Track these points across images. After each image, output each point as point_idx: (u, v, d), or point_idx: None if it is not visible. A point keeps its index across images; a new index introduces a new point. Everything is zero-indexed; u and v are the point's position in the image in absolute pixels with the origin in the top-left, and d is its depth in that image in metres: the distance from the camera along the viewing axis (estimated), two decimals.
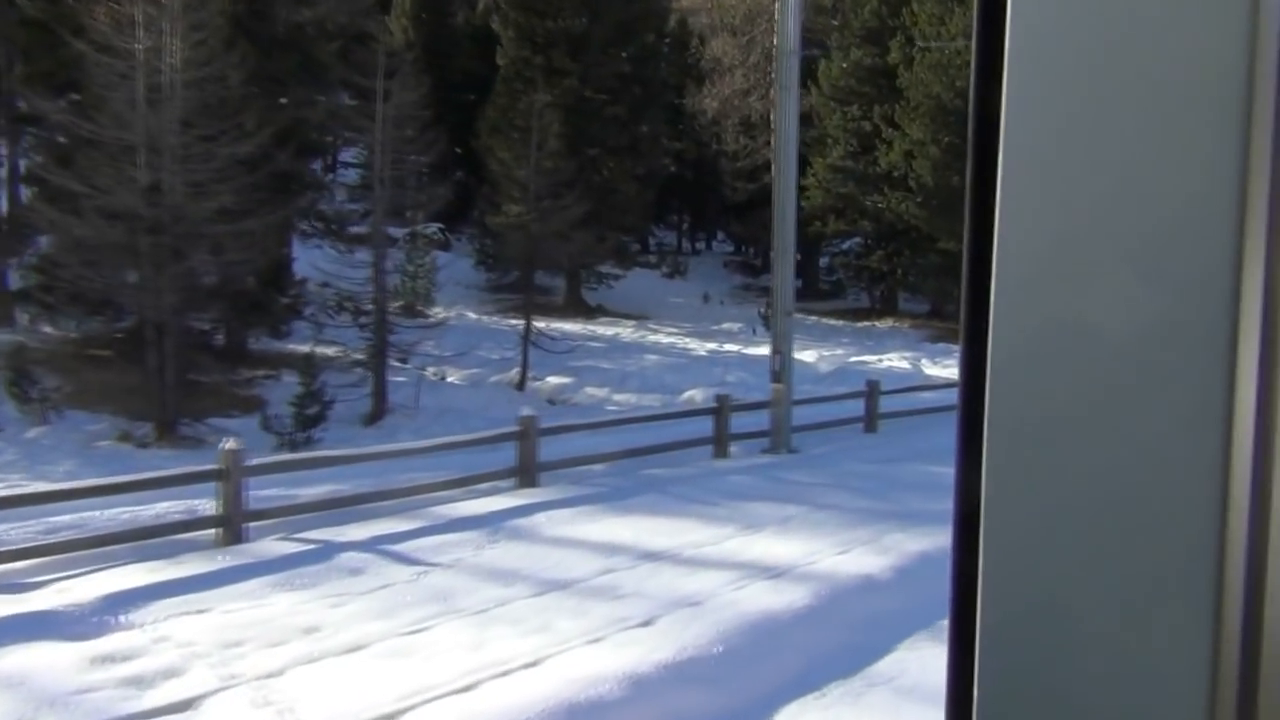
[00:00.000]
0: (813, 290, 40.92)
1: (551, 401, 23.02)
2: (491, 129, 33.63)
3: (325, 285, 32.15)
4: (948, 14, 31.77)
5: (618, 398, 22.82)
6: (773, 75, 40.16)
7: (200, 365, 20.18)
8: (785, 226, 12.84)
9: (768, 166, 40.56)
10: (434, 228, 40.18)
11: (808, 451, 13.13)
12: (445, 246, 37.60)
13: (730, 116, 38.99)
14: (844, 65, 35.76)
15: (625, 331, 30.44)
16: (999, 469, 0.68)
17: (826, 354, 27.78)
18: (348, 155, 40.33)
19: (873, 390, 15.10)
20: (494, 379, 23.71)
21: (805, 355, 27.31)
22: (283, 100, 20.91)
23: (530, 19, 32.71)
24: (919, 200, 31.46)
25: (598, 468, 11.46)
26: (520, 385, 22.91)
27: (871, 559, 7.73)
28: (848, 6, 36.55)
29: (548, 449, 12.07)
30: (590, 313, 33.66)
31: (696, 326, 33.20)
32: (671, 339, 29.85)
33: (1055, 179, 0.64)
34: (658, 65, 34.51)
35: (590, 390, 23.32)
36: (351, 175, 41.79)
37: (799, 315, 38.34)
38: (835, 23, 37.21)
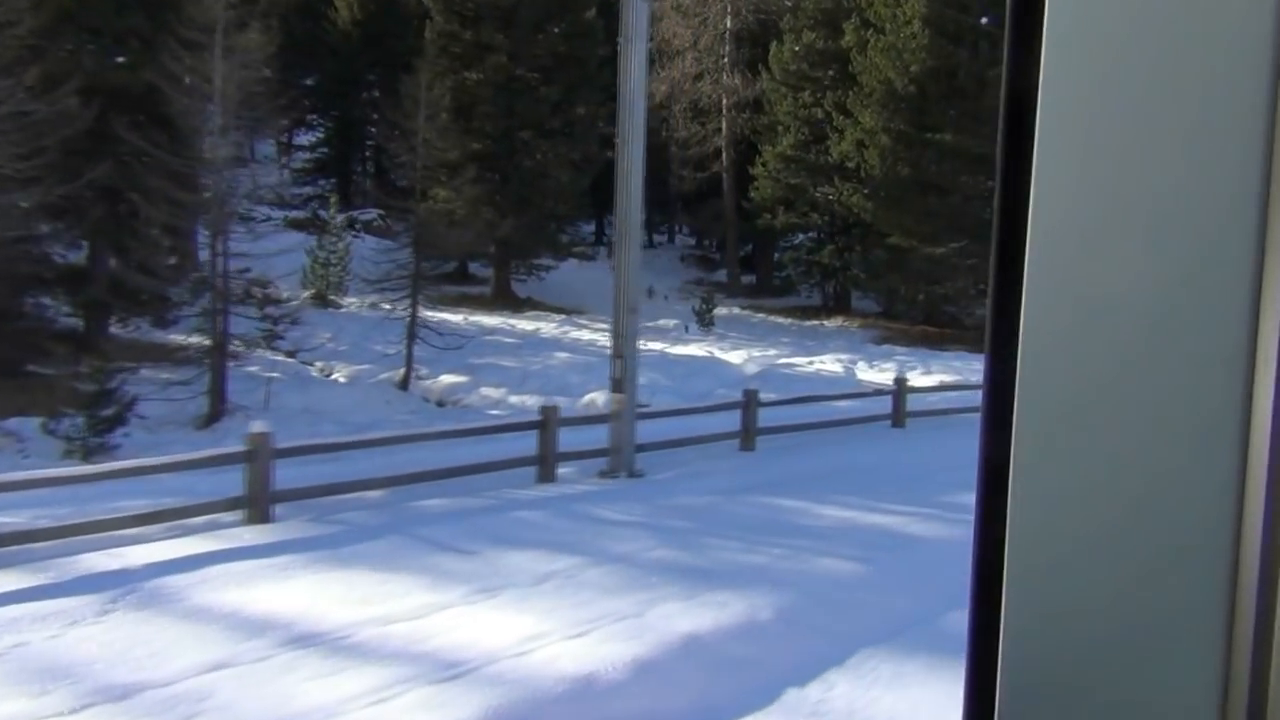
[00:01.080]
0: (766, 287, 38.95)
1: (441, 403, 21.00)
2: (416, 107, 31.48)
3: (245, 271, 30.21)
4: None
5: (514, 399, 20.80)
6: (725, 60, 38.28)
7: (39, 355, 18.15)
8: (629, 203, 10.83)
9: (718, 154, 38.62)
10: (373, 213, 38.12)
11: (653, 475, 11.13)
12: (388, 234, 35.54)
13: (679, 101, 36.94)
14: (796, 49, 33.71)
15: (548, 326, 28.41)
16: (1025, 450, 0.67)
17: (758, 354, 25.79)
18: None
19: (750, 401, 13.08)
20: (384, 376, 21.66)
21: (732, 356, 25.36)
22: (119, 59, 18.74)
23: None
24: (866, 192, 29.46)
25: (373, 494, 9.44)
26: (404, 384, 20.86)
27: (612, 647, 5.73)
28: None
29: (377, 463, 10.16)
30: (518, 305, 31.62)
31: None
32: (596, 335, 27.80)
33: (1088, 161, 0.65)
34: (594, 44, 32.37)
35: (486, 390, 21.29)
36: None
37: (745, 312, 36.54)
38: (788, 4, 35.14)
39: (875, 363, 25.26)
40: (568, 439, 11.46)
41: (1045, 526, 0.68)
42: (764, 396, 13.71)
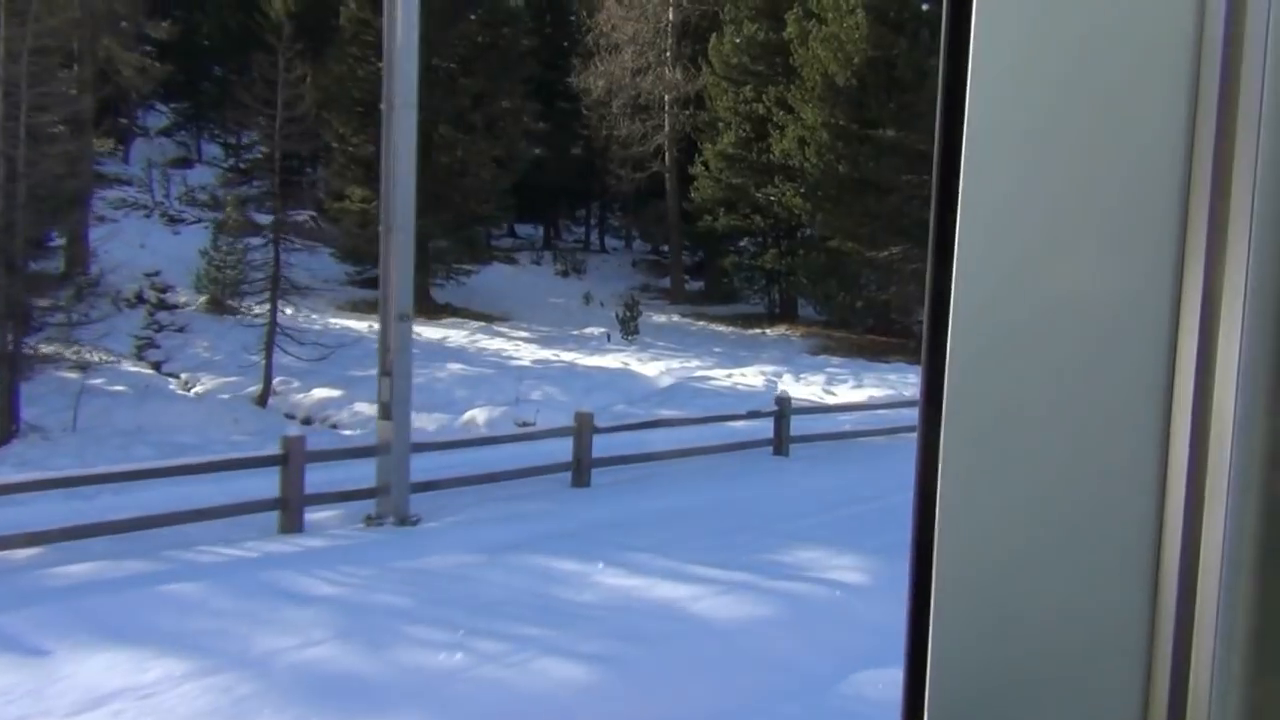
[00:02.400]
0: (714, 293, 36.91)
1: (308, 420, 18.93)
2: (328, 99, 29.42)
3: (154, 274, 28.12)
4: None
5: None
6: (667, 54, 36.27)
7: None
8: (396, 186, 8.84)
9: (659, 153, 36.60)
10: (304, 215, 35.97)
11: (430, 522, 9.09)
12: (319, 237, 33.39)
13: (619, 97, 34.90)
14: (736, 41, 31.73)
15: (458, 335, 26.33)
16: (954, 464, 0.70)
17: (678, 366, 23.77)
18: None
19: (582, 426, 10.99)
20: (250, 390, 19.57)
21: (650, 367, 23.33)
22: None
23: None
24: (802, 191, 27.47)
25: (20, 554, 7.36)
26: (262, 399, 18.76)
27: None
28: None
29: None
30: (435, 312, 29.50)
31: (554, 331, 29.14)
32: (510, 344, 25.79)
33: (1014, 182, 0.67)
34: (516, 33, 30.36)
35: (361, 406, 19.20)
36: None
37: (686, 320, 34.50)
38: None
39: (803, 375, 23.26)
40: (345, 474, 9.43)
41: (972, 540, 0.69)
42: (603, 422, 11.67)
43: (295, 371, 20.81)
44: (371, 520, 8.98)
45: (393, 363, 9.27)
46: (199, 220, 39.04)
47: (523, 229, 47.29)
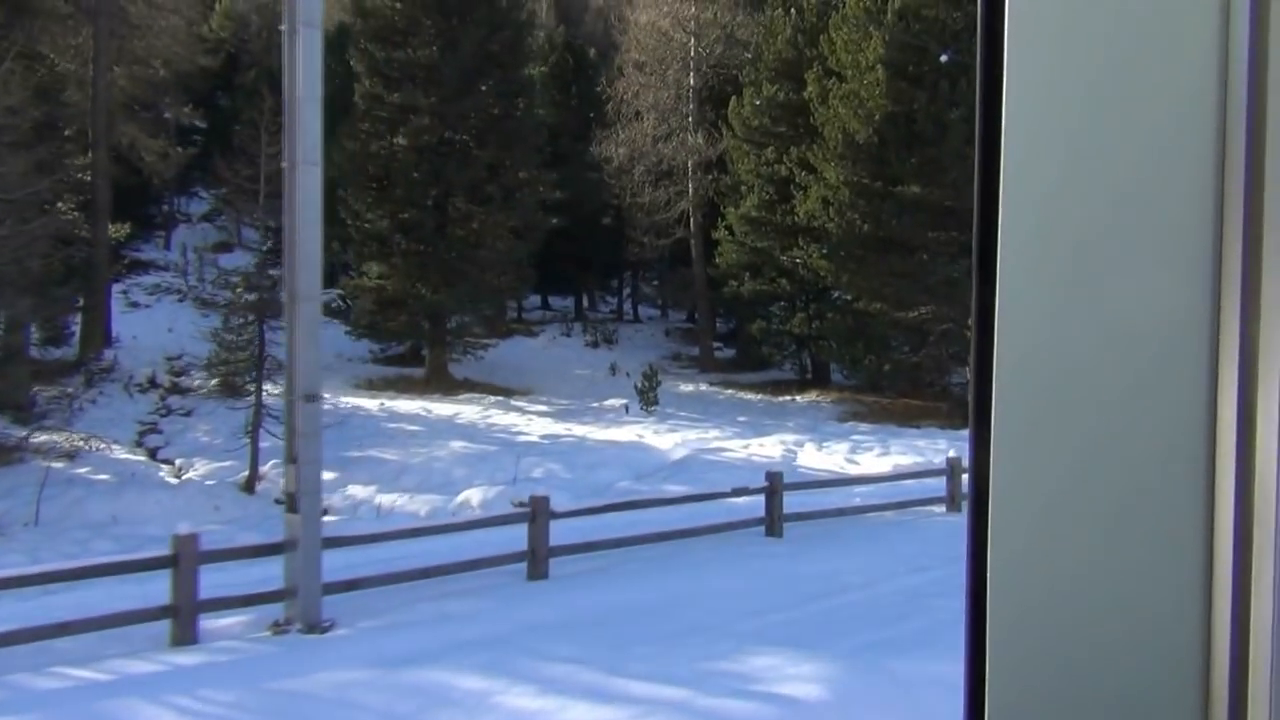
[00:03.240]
0: (747, 359, 35.81)
1: (296, 507, 18.05)
2: (342, 175, 29.14)
3: (176, 357, 27.79)
4: (865, 39, 27.07)
5: (383, 498, 17.91)
6: (689, 119, 35.74)
7: None
8: (300, 252, 7.99)
9: (684, 219, 35.88)
10: (332, 294, 35.71)
11: (345, 628, 8.08)
12: (344, 316, 33.04)
13: (640, 164, 34.33)
14: (756, 102, 31.07)
15: (471, 410, 25.51)
16: (1004, 466, 0.71)
17: (696, 437, 22.69)
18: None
19: (537, 511, 9.94)
20: (241, 475, 18.84)
21: (666, 439, 22.28)
22: None
23: (380, 49, 28.37)
24: (824, 252, 26.46)
25: None
26: (249, 485, 18.00)
27: None
28: (761, 37, 31.97)
29: None
30: (453, 387, 28.80)
31: (574, 404, 28.24)
32: (525, 419, 24.90)
33: (1053, 192, 0.70)
34: (531, 103, 29.97)
35: (354, 489, 18.42)
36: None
37: (714, 389, 33.38)
38: (748, 55, 32.61)
39: (826, 443, 22.05)
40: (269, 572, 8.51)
41: (1023, 549, 0.70)
42: (562, 506, 10.62)
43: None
44: (278, 627, 8.02)
45: (299, 448, 8.39)
46: (229, 303, 38.73)
47: (557, 301, 46.85)
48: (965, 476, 13.17)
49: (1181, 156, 0.66)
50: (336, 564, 9.12)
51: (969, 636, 0.74)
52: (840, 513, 12.68)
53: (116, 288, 35.09)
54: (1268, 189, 0.64)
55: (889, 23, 26.08)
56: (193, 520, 15.80)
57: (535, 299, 48.06)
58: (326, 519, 17.54)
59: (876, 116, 26.03)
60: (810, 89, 28.59)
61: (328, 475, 18.86)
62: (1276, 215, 0.64)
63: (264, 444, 19.65)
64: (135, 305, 38.19)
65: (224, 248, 53.54)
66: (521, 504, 17.58)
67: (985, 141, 0.72)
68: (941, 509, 13.95)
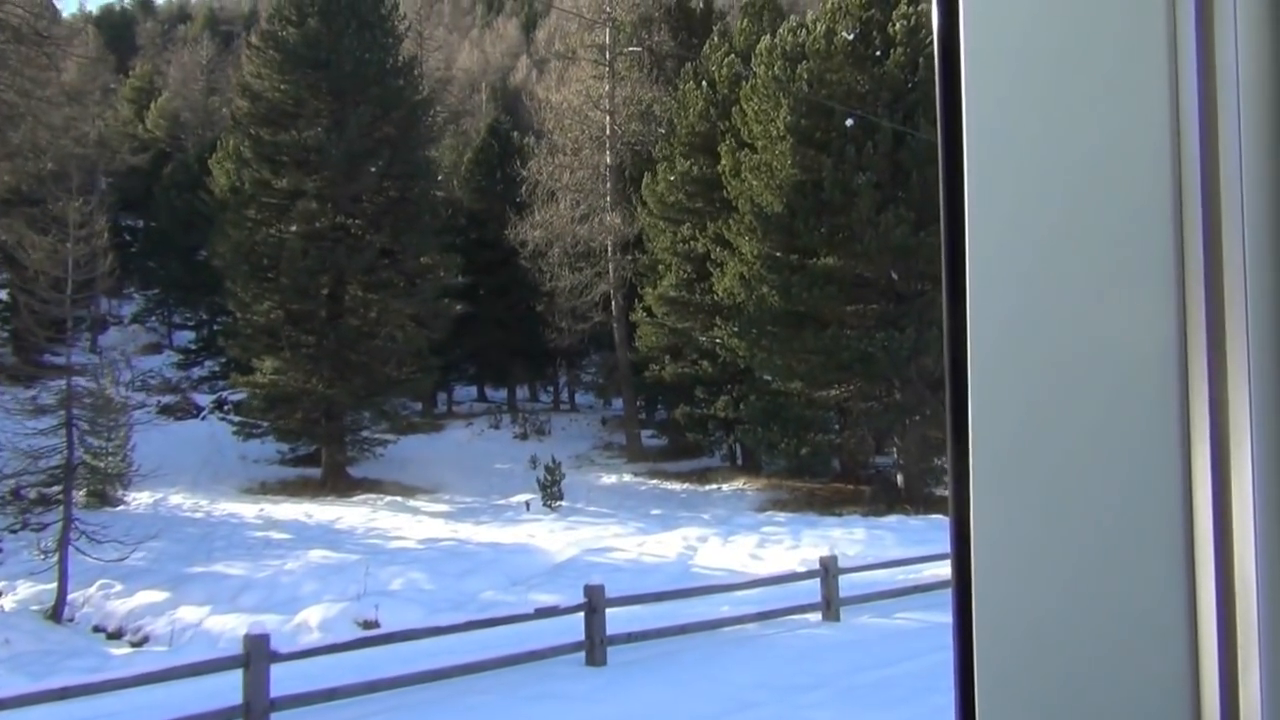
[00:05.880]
0: (676, 447, 33.88)
1: (117, 634, 15.98)
2: (227, 267, 27.49)
3: (58, 468, 25.66)
4: (775, 108, 25.82)
5: (214, 621, 15.77)
6: (606, 198, 34.38)
7: None
8: None
9: (605, 302, 34.28)
10: (243, 393, 33.74)
11: None
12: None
13: (556, 246, 32.80)
14: (671, 178, 29.74)
15: (354, 513, 23.46)
16: (983, 488, 0.71)
17: (594, 535, 20.73)
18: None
19: (253, 654, 7.85)
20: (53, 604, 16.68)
21: (555, 540, 20.34)
22: None
23: (268, 131, 26.93)
24: (735, 329, 24.85)
25: None
26: (54, 613, 15.85)
27: None
28: (675, 111, 30.79)
29: None
30: (348, 489, 26.74)
31: (478, 501, 26.26)
32: (412, 521, 22.87)
33: (1016, 224, 0.71)
34: (428, 184, 28.52)
35: (186, 610, 16.28)
36: None
37: (638, 479, 31.44)
38: (662, 130, 31.38)
39: (734, 537, 20.11)
40: None
41: (1006, 549, 0.70)
42: (285, 647, 8.64)
43: (135, 571, 18.02)
44: None
45: None
46: (142, 406, 36.55)
47: (496, 393, 45.04)
48: (846, 577, 11.07)
49: (1138, 175, 0.68)
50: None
51: (957, 662, 0.72)
52: (684, 630, 10.69)
53: (24, 394, 33.10)
54: (1223, 205, 0.66)
55: (795, 90, 24.90)
56: None
57: (470, 390, 46.36)
58: (146, 648, 15.44)
59: (786, 187, 24.69)
60: (724, 162, 27.30)
61: (158, 596, 16.84)
62: (1232, 226, 0.65)
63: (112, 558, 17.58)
64: (43, 411, 36.07)
65: (155, 349, 51.78)
66: (368, 622, 15.62)
67: (948, 170, 0.72)
68: (816, 616, 12.01)
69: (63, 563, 16.18)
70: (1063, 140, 0.70)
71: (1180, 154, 0.67)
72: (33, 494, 24.01)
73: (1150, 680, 0.67)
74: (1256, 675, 0.64)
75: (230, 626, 15.75)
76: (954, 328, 0.72)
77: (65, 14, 56.78)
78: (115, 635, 15.87)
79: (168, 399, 40.87)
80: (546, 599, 14.32)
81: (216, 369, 42.31)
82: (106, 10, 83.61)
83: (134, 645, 15.31)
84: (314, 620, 15.42)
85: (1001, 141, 0.71)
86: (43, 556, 16.50)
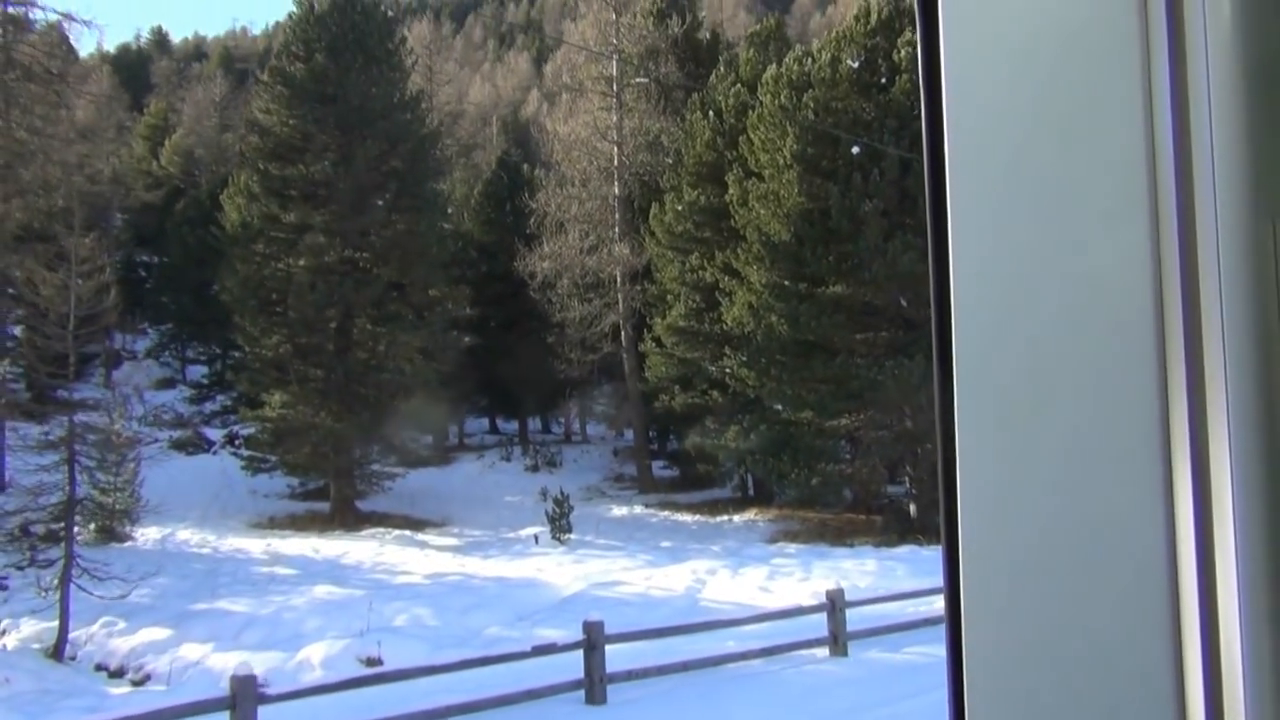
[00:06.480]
0: (689, 478, 33.63)
1: (118, 673, 15.83)
2: (235, 301, 27.54)
3: (79, 502, 25.62)
4: (781, 137, 25.76)
5: (215, 659, 15.59)
6: (615, 229, 34.36)
7: None
8: None
9: (615, 333, 34.19)
10: (253, 428, 33.71)
11: None
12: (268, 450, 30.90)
13: (565, 277, 32.77)
14: (679, 208, 29.70)
15: (365, 548, 23.27)
16: (971, 507, 0.71)
17: (604, 567, 20.53)
18: None
19: (242, 695, 7.66)
20: (76, 637, 16.56)
21: (563, 574, 20.13)
22: None
23: (276, 166, 27.04)
24: (744, 359, 24.68)
25: None
26: (56, 651, 15.71)
27: None
28: (682, 141, 30.79)
29: None
30: (356, 523, 26.59)
31: (487, 535, 26.07)
32: (419, 556, 22.68)
33: (995, 253, 0.72)
34: (434, 217, 28.54)
35: (189, 648, 16.12)
36: None
37: (649, 510, 31.17)
38: (668, 160, 31.38)
39: (744, 569, 19.86)
40: None
41: (993, 553, 0.71)
42: (279, 687, 8.46)
43: (139, 608, 17.88)
44: None
45: None
46: (154, 440, 36.55)
47: (507, 425, 44.96)
48: (855, 610, 10.74)
49: (1114, 180, 0.69)
50: None
51: (950, 666, 0.73)
52: (686, 667, 10.47)
53: (37, 429, 33.19)
54: (1197, 208, 0.67)
55: (801, 119, 24.86)
56: None
57: (482, 422, 46.25)
58: (147, 687, 15.27)
59: (793, 215, 24.60)
60: (731, 191, 27.25)
61: (161, 634, 16.68)
62: (1207, 231, 0.66)
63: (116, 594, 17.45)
64: (50, 447, 36.10)
65: (168, 384, 51.93)
66: (371, 660, 15.43)
67: (934, 183, 0.73)
68: (824, 652, 11.76)
69: (64, 600, 16.05)
70: (1041, 148, 0.70)
71: (1155, 160, 0.68)
72: (41, 530, 23.98)
73: (1136, 681, 0.67)
74: (1240, 678, 0.64)
75: (232, 664, 15.50)
76: (941, 334, 0.73)
77: (83, 53, 57.50)
78: (117, 674, 15.71)
79: (179, 433, 41.01)
80: (551, 634, 14.09)
81: (228, 403, 42.49)
82: (123, 49, 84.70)
83: (135, 684, 15.14)
84: (316, 658, 15.23)
85: (983, 151, 0.71)
86: (43, 594, 16.35)
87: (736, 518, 28.12)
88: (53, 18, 31.96)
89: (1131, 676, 0.68)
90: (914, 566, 18.59)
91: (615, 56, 34.08)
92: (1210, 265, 0.66)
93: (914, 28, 0.80)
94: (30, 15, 28.47)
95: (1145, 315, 0.68)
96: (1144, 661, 0.67)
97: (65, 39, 34.29)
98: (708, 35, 37.59)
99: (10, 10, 28.33)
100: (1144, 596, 0.68)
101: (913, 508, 24.16)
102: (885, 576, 18.05)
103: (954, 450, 0.71)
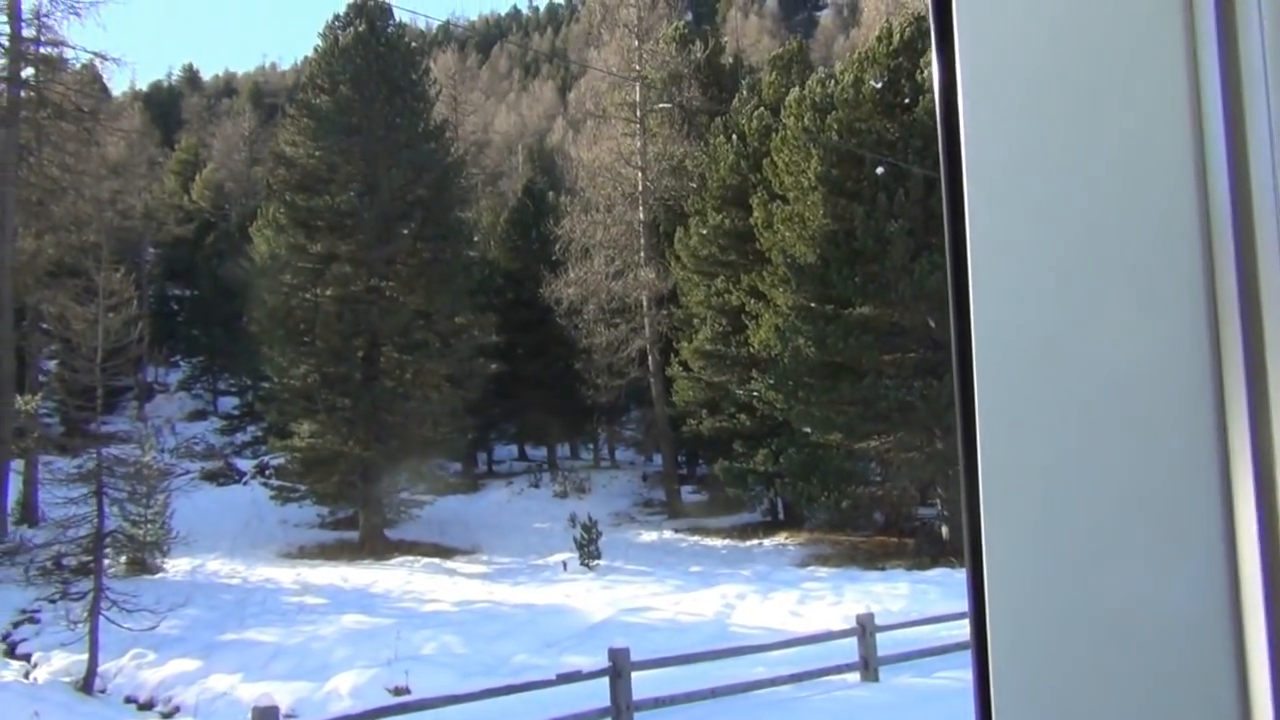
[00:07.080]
0: (718, 503, 33.41)
1: (148, 705, 15.82)
2: (263, 331, 27.72)
3: (109, 533, 25.80)
4: (805, 159, 25.71)
5: (245, 690, 15.56)
6: (640, 254, 34.38)
7: None
8: None
9: (642, 357, 34.15)
10: (272, 459, 33.88)
11: None
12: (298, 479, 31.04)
13: (591, 303, 32.79)
14: (704, 231, 29.69)
15: (394, 576, 23.23)
16: (992, 503, 0.68)
17: (631, 594, 20.35)
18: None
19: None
20: (106, 669, 16.59)
21: (592, 599, 19.99)
22: None
23: (302, 198, 27.26)
24: (772, 381, 24.53)
25: None
26: (86, 684, 15.73)
27: None
28: (705, 165, 30.80)
29: None
30: (385, 551, 26.58)
31: (515, 562, 25.97)
32: (448, 583, 22.62)
33: (1027, 248, 0.68)
34: (460, 244, 28.65)
35: (218, 679, 16.09)
36: None
37: (679, 535, 30.97)
38: (693, 185, 31.39)
39: (774, 593, 19.65)
40: None
41: (1017, 555, 0.66)
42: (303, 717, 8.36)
43: (169, 639, 17.90)
44: None
45: None
46: (185, 472, 36.78)
47: (536, 452, 44.90)
48: (886, 634, 10.59)
49: (1160, 184, 0.63)
50: None
51: (975, 668, 0.69)
52: (714, 694, 10.31)
53: (72, 463, 33.50)
54: (1255, 213, 0.61)
55: (825, 140, 24.80)
56: None
57: (511, 449, 46.25)
58: None
59: (818, 237, 24.50)
60: (756, 214, 27.20)
61: (189, 666, 16.68)
62: (1267, 235, 0.60)
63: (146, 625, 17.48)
64: (82, 480, 36.42)
65: (200, 416, 52.32)
66: (399, 689, 15.33)
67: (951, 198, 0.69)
68: (854, 677, 11.56)
69: (94, 632, 16.07)
70: (1078, 154, 0.64)
71: (1205, 162, 0.62)
72: (73, 563, 24.09)
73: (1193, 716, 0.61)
74: None
75: (260, 695, 15.55)
76: (961, 349, 0.68)
77: (116, 91, 58.45)
78: (146, 706, 15.70)
79: (210, 465, 41.30)
80: (579, 661, 13.93)
81: (258, 434, 42.73)
82: (155, 86, 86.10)
83: (164, 716, 15.13)
84: (344, 688, 15.15)
85: (1008, 165, 0.66)
86: (72, 627, 16.39)
87: (766, 542, 27.87)
88: (85, 58, 32.50)
89: (1188, 712, 0.61)
90: (947, 590, 18.30)
91: (639, 82, 34.21)
92: (1272, 270, 0.59)
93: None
94: (63, 54, 28.99)
95: (1199, 325, 0.61)
96: (1204, 693, 0.60)
97: (98, 77, 34.89)
98: (730, 60, 37.74)
99: (43, 50, 28.85)
100: (1200, 623, 0.61)
101: (945, 530, 23.85)
102: (918, 600, 17.78)
103: (976, 469, 0.67)
